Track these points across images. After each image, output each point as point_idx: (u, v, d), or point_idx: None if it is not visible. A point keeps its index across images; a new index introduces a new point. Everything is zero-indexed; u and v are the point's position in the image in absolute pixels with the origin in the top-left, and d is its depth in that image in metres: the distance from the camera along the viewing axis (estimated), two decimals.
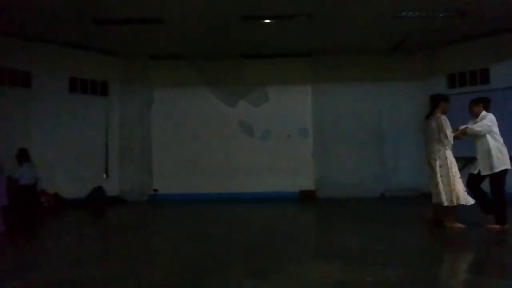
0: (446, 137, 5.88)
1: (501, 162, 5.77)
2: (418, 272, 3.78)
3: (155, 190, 11.22)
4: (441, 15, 8.52)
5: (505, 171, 5.80)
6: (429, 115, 6.24)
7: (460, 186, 5.86)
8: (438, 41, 10.28)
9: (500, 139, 5.87)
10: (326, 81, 11.17)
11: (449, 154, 5.93)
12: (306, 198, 10.72)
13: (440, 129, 5.93)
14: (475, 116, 6.08)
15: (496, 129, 5.90)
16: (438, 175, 5.90)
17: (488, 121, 5.87)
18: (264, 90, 11.41)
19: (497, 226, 5.71)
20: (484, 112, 6.00)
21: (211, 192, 10.85)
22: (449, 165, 5.87)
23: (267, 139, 11.33)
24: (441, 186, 5.86)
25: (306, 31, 9.46)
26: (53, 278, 3.76)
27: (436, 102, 6.20)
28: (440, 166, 5.91)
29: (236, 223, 7.16)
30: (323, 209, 9.16)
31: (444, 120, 5.94)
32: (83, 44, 10.22)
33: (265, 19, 8.77)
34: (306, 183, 11.01)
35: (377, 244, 5.02)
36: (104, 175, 10.80)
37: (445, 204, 5.83)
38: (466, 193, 5.87)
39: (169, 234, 6.31)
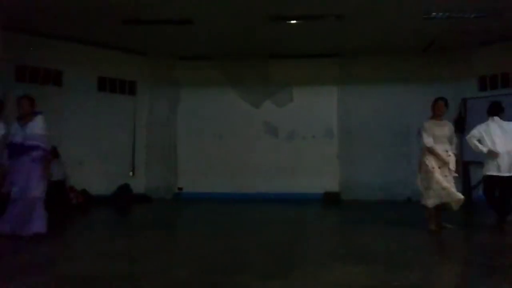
0: (426, 138, 5.96)
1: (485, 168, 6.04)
2: (443, 277, 3.71)
3: (179, 189, 11.33)
4: (472, 16, 8.31)
5: (485, 176, 6.05)
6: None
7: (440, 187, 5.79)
8: (469, 43, 10.03)
9: (492, 144, 5.93)
10: (353, 82, 11.05)
11: (429, 158, 5.89)
12: (330, 200, 10.64)
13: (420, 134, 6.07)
14: None
15: (488, 136, 6.01)
16: (419, 177, 6.00)
17: (469, 135, 6.17)
18: (290, 91, 11.38)
19: None
20: None
21: (235, 191, 10.88)
22: (429, 169, 5.84)
23: (292, 139, 11.30)
24: (421, 188, 5.95)
25: (334, 31, 9.39)
26: (80, 272, 3.84)
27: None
28: (424, 171, 5.98)
29: (260, 224, 7.16)
30: (348, 212, 9.07)
31: (423, 127, 6.05)
32: (112, 44, 10.40)
33: (293, 20, 8.74)
34: (330, 184, 10.92)
35: (402, 248, 4.94)
36: (131, 173, 10.97)
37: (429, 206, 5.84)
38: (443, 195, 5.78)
39: (193, 232, 6.36)
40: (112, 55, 10.67)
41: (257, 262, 4.29)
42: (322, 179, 10.93)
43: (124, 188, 10.35)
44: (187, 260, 4.44)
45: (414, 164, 10.59)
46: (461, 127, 9.30)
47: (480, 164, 6.39)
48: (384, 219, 7.58)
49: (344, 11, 8.21)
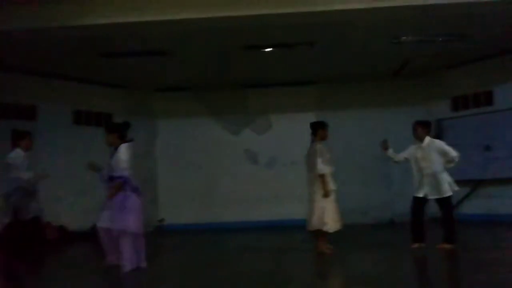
0: (320, 164, 6.12)
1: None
2: None
3: (160, 221, 11.11)
4: (441, 39, 8.56)
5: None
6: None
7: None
8: (440, 65, 10.31)
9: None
10: (330, 108, 11.14)
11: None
12: None
13: (315, 157, 6.18)
14: None
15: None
16: (317, 200, 6.38)
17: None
18: (268, 119, 11.43)
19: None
20: None
21: (217, 221, 10.74)
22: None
23: (273, 166, 11.27)
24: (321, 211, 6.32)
25: (308, 59, 9.54)
26: None
27: (315, 129, 6.40)
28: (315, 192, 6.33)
29: (244, 252, 7.06)
30: (331, 236, 8.98)
31: (320, 149, 6.17)
32: (87, 77, 10.33)
33: (267, 48, 8.85)
34: None
35: (390, 271, 4.90)
36: None
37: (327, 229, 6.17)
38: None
39: (175, 264, 6.21)
40: (88, 88, 10.56)
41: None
42: (304, 205, 10.82)
43: None
44: None
45: (395, 186, 10.81)
46: None
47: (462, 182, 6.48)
48: (367, 242, 7.55)
49: (314, 38, 8.36)
